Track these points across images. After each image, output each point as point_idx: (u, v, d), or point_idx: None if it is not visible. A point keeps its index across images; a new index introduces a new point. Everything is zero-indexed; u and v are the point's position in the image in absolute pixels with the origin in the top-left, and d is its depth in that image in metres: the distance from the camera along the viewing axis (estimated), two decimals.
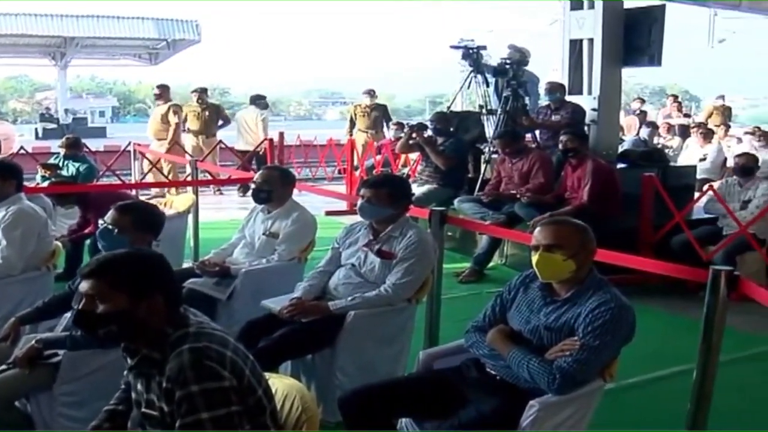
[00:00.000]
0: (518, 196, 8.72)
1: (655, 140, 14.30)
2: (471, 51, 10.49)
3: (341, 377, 4.73)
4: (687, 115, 18.50)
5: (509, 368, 3.65)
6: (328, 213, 11.19)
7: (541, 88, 10.61)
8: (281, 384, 3.00)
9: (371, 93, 16.31)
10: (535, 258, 3.69)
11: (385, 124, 16.01)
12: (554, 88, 9.94)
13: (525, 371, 3.55)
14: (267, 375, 2.92)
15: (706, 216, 8.83)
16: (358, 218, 5.16)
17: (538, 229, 3.76)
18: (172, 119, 14.26)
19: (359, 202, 4.97)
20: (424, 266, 4.90)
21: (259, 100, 15.90)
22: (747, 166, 8.66)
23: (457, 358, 4.03)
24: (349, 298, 4.79)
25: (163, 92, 14.57)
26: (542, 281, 3.74)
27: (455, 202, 9.37)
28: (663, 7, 9.70)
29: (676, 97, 20.78)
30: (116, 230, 4.37)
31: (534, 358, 3.54)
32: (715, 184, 9.34)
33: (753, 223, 7.95)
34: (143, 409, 2.78)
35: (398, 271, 4.79)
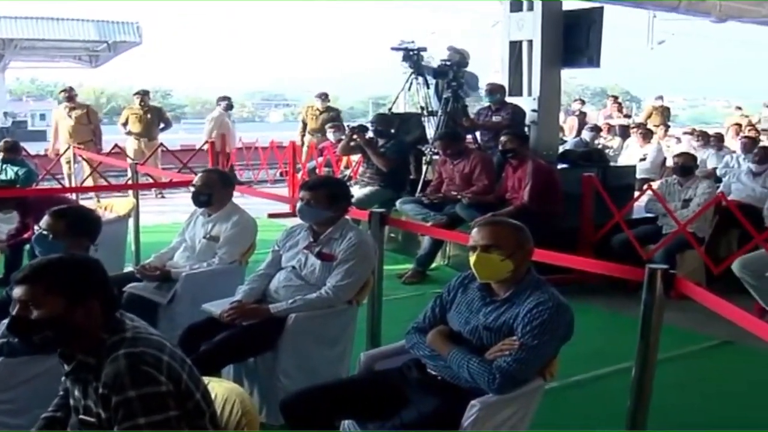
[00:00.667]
0: (459, 197, 8.78)
1: (596, 141, 14.43)
2: (411, 53, 10.50)
3: (284, 380, 4.71)
4: (627, 116, 18.72)
5: (450, 369, 3.66)
6: (271, 216, 11.15)
7: (482, 89, 10.67)
8: (221, 388, 2.98)
9: (323, 96, 16.27)
10: (472, 258, 3.71)
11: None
12: (494, 90, 10.03)
13: (465, 371, 3.56)
14: (207, 379, 2.90)
15: (647, 215, 8.93)
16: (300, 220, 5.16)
17: (475, 229, 3.78)
18: (95, 121, 14.31)
19: (298, 204, 4.98)
20: (364, 268, 4.91)
21: (221, 101, 16.10)
22: (686, 166, 8.79)
23: (398, 359, 4.04)
24: (290, 301, 4.78)
25: (73, 94, 14.37)
26: (481, 282, 3.76)
27: (397, 203, 9.41)
28: (601, 9, 9.80)
29: (616, 98, 20.99)
30: (51, 236, 4.34)
31: (474, 359, 3.56)
32: (655, 184, 9.47)
33: (692, 222, 8.04)
34: (81, 416, 2.75)
35: (338, 273, 4.80)
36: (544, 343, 3.52)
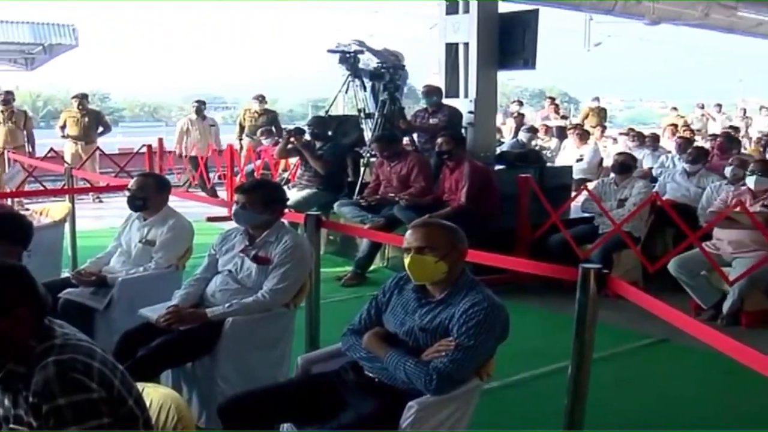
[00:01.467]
0: (397, 199, 8.81)
1: (533, 142, 14.53)
2: (348, 55, 10.53)
3: (222, 384, 4.70)
4: (564, 117, 18.90)
5: (387, 370, 3.68)
6: (210, 219, 11.07)
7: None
8: (156, 394, 2.96)
9: (260, 98, 16.21)
10: (407, 260, 3.73)
11: (274, 130, 15.94)
12: (431, 92, 10.07)
13: (402, 373, 3.58)
14: (142, 385, 2.88)
15: (584, 215, 9.03)
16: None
17: (409, 231, 3.81)
18: (29, 126, 14.23)
19: (234, 207, 4.97)
20: (300, 271, 4.91)
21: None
22: (626, 164, 8.95)
23: (336, 361, 4.05)
24: (227, 305, 4.77)
25: (9, 98, 14.18)
26: (416, 283, 3.79)
27: (335, 205, 9.43)
28: (536, 11, 9.87)
29: (553, 99, 21.19)
30: None
31: (410, 360, 3.58)
32: (591, 184, 9.59)
33: (627, 221, 8.13)
34: (11, 425, 2.71)
35: (275, 277, 4.80)
36: (479, 343, 3.55)
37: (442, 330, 3.63)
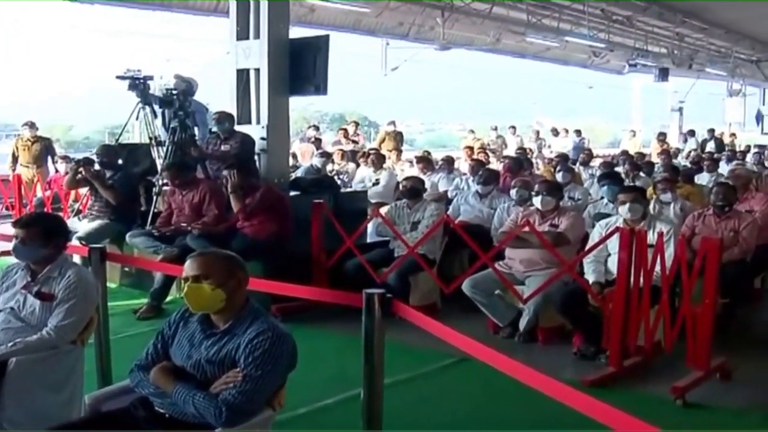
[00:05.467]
0: (190, 228, 8.77)
1: (329, 167, 14.66)
2: (138, 81, 10.36)
3: (9, 428, 4.55)
4: (354, 141, 19.15)
5: (176, 405, 3.68)
6: None
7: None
8: None
9: (30, 125, 15.74)
10: (184, 290, 3.76)
11: (50, 158, 15.51)
12: (222, 118, 10.00)
13: (191, 407, 3.59)
14: None
15: (382, 239, 9.17)
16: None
17: (187, 262, 3.83)
18: None
19: (13, 242, 4.85)
20: (86, 306, 4.83)
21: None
22: (415, 188, 9.12)
23: (126, 398, 4.01)
24: (10, 344, 4.62)
25: None
26: (201, 314, 3.81)
27: (127, 236, 9.28)
28: (327, 37, 9.96)
29: (346, 123, 21.21)
30: None
31: (198, 393, 3.60)
32: (384, 208, 9.73)
33: (421, 244, 8.26)
34: None
35: (60, 313, 4.70)
36: (267, 373, 3.60)
37: (229, 361, 3.66)
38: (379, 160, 14.33)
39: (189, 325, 3.88)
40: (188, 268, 3.78)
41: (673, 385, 6.04)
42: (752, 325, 8.64)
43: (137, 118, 10.85)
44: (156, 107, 10.48)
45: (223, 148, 9.96)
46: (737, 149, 24.87)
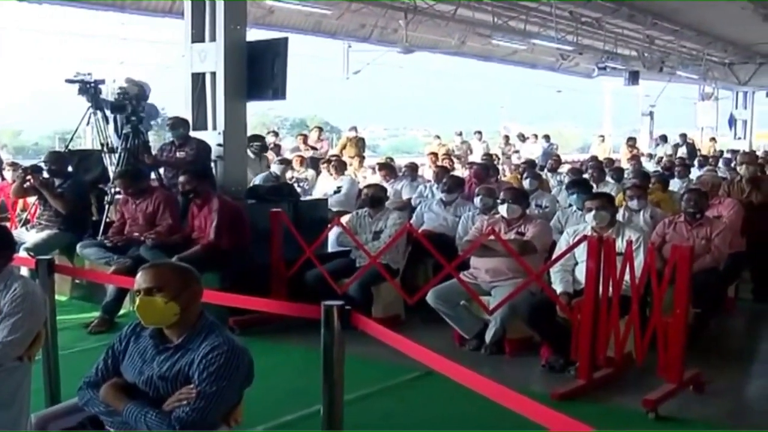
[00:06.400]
0: (143, 238, 8.72)
1: (288, 174, 14.57)
2: (88, 86, 10.26)
3: None
4: (314, 148, 19.11)
5: (128, 424, 3.65)
6: None
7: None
8: None
9: None
10: (136, 303, 3.73)
11: None
12: (177, 124, 9.93)
13: (143, 425, 3.57)
14: None
15: (343, 248, 9.16)
16: None
17: (139, 273, 3.80)
18: None
19: None
20: (33, 321, 4.76)
21: None
22: (376, 197, 9.12)
23: (75, 417, 3.98)
24: None
25: None
26: (154, 328, 3.78)
27: (78, 247, 9.20)
28: (285, 40, 9.90)
29: (305, 129, 21.07)
30: None
31: (151, 411, 3.58)
32: (345, 217, 9.69)
33: (383, 254, 8.29)
34: None
35: (4, 328, 4.62)
36: (223, 389, 3.58)
37: (183, 377, 3.64)
38: (340, 167, 14.29)
39: (141, 339, 3.85)
40: (140, 280, 3.75)
41: (645, 397, 6.06)
42: (725, 335, 8.74)
43: (88, 124, 10.75)
44: (108, 112, 10.39)
45: (178, 155, 9.89)
46: (710, 155, 25.01)
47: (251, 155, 13.79)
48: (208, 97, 9.92)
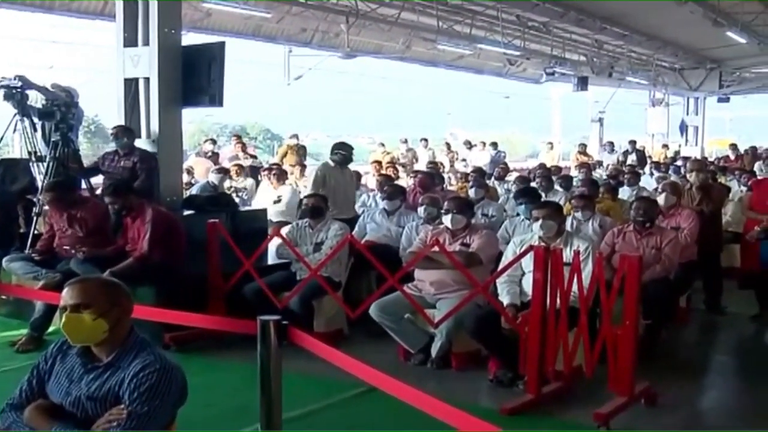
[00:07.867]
0: (74, 251, 8.61)
1: (226, 183, 14.49)
2: (14, 91, 10.11)
3: None
4: (254, 156, 19.03)
5: None
6: None
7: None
8: None
9: None
10: (62, 320, 3.67)
11: None
12: (121, 133, 9.83)
13: None
14: None
15: (283, 261, 9.10)
16: None
17: (65, 289, 3.75)
18: None
19: None
20: None
21: None
22: (317, 207, 9.05)
23: None
24: None
25: None
26: (81, 346, 3.73)
27: (4, 261, 9.06)
28: (222, 44, 9.90)
29: (239, 137, 20.83)
30: None
31: None
32: (285, 228, 9.64)
33: (324, 266, 8.20)
34: None
35: None
36: (154, 408, 3.54)
37: (113, 397, 3.60)
38: (281, 177, 14.23)
39: (68, 358, 3.80)
40: (66, 296, 3.70)
41: (596, 411, 6.09)
42: (677, 346, 8.82)
43: (15, 131, 10.59)
44: (35, 119, 10.24)
45: (122, 164, 9.78)
46: (662, 161, 25.18)
47: None
48: (142, 104, 9.88)
